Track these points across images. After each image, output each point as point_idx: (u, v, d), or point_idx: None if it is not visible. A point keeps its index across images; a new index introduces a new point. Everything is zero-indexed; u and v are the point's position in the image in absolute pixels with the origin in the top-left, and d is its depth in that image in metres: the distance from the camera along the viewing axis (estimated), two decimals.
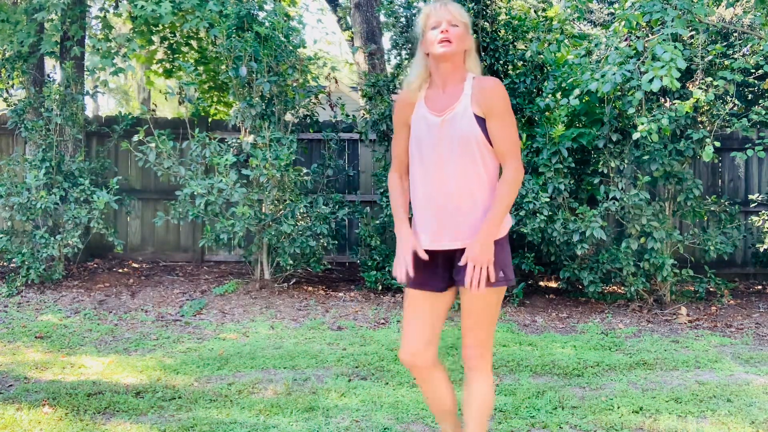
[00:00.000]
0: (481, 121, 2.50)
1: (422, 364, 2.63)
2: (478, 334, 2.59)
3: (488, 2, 6.59)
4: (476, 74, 2.59)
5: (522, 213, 5.90)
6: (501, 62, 6.58)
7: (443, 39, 2.47)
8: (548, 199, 5.88)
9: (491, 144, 2.51)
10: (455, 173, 2.50)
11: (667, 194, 6.31)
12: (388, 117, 6.59)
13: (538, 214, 5.84)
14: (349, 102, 10.75)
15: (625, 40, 5.92)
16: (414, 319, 2.63)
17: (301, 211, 6.38)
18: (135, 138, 6.41)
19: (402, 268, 2.53)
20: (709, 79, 5.76)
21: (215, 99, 9.58)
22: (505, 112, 2.51)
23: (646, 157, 5.97)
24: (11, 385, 3.97)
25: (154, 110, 7.20)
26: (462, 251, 2.54)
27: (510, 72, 6.72)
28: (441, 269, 2.60)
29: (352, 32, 10.56)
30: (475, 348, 2.60)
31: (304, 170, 6.63)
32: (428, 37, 2.52)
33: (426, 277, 2.59)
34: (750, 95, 9.18)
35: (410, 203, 2.69)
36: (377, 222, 6.71)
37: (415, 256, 2.57)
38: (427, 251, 2.57)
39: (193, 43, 9.03)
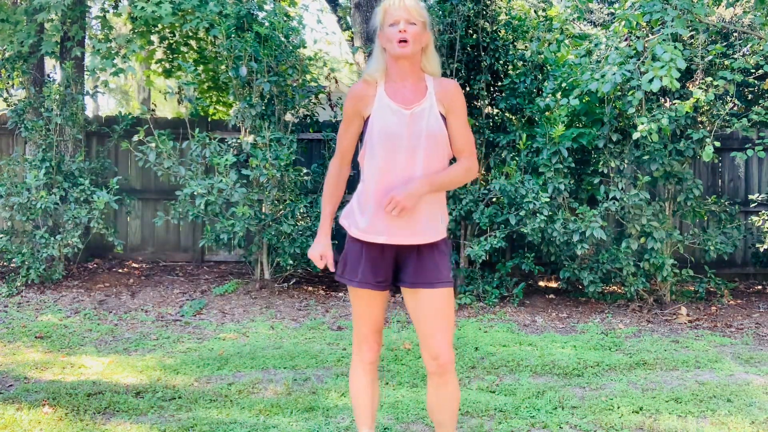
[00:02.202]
0: (443, 120, 2.57)
1: (375, 355, 2.73)
2: (449, 333, 2.59)
3: (488, 2, 6.59)
4: (433, 71, 2.61)
5: (522, 213, 5.90)
6: (501, 62, 6.57)
7: (400, 39, 2.48)
8: (548, 199, 5.87)
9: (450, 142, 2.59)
10: (420, 167, 2.51)
11: (667, 194, 6.31)
12: None
13: (538, 214, 5.84)
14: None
15: (625, 40, 5.92)
16: (371, 316, 2.67)
17: (301, 211, 6.38)
18: (135, 138, 6.41)
19: (322, 262, 2.67)
20: (709, 79, 5.76)
21: (214, 99, 9.58)
22: (464, 112, 2.60)
23: (646, 157, 5.97)
24: (11, 385, 3.97)
25: (153, 110, 7.20)
26: (417, 248, 2.56)
27: (510, 72, 6.72)
28: (388, 266, 2.60)
29: (352, 32, 10.55)
30: (449, 350, 2.58)
31: (304, 170, 6.63)
32: (386, 34, 2.52)
33: (379, 276, 2.59)
34: (750, 95, 9.18)
35: (353, 194, 2.70)
36: None
37: (377, 251, 2.56)
38: (379, 249, 2.56)
39: (192, 43, 9.03)
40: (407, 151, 2.50)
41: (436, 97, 2.55)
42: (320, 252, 2.66)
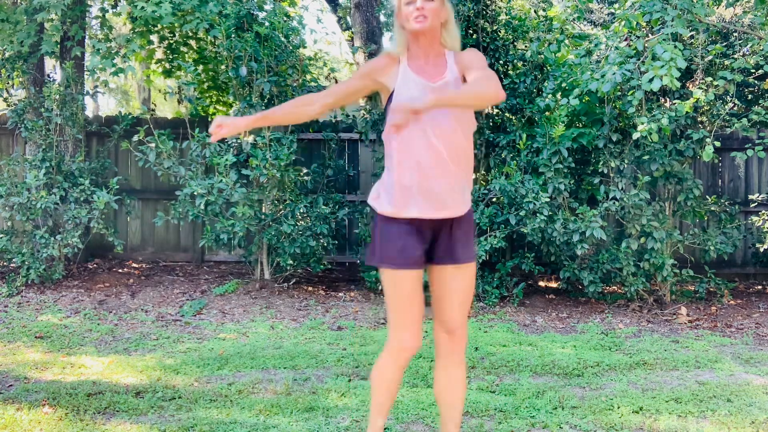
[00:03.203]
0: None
1: (418, 346, 2.61)
2: (466, 311, 2.58)
3: (488, 2, 6.59)
4: (453, 46, 2.61)
5: (522, 213, 5.90)
6: (501, 62, 6.57)
7: (418, 15, 2.47)
8: (548, 199, 5.87)
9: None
10: (452, 140, 2.50)
11: (667, 194, 6.31)
12: None
13: (538, 214, 5.84)
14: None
15: (625, 40, 5.92)
16: (414, 300, 2.55)
17: (301, 211, 6.38)
18: (135, 138, 6.41)
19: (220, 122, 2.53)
20: (709, 79, 5.76)
21: (214, 99, 9.58)
22: (483, 61, 2.53)
23: (646, 157, 5.97)
24: (11, 385, 3.97)
25: (153, 110, 7.20)
26: (450, 223, 2.54)
27: (510, 72, 6.72)
28: (424, 244, 2.57)
29: (352, 32, 10.55)
30: (464, 327, 2.56)
31: (304, 170, 6.63)
32: (403, 12, 2.52)
33: (417, 256, 2.54)
34: (750, 95, 9.18)
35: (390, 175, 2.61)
36: None
37: (415, 229, 2.52)
38: (415, 226, 2.52)
39: (192, 43, 9.03)
40: (432, 125, 2.48)
41: (456, 68, 2.55)
42: (226, 120, 2.54)
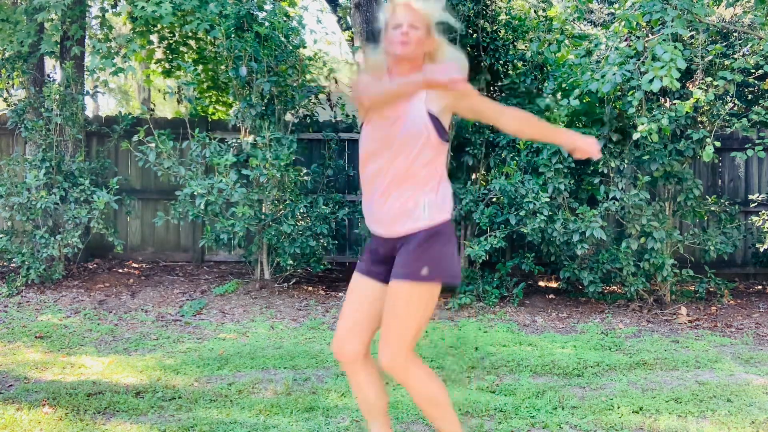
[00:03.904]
0: (435, 120, 2.46)
1: (350, 356, 2.58)
2: (394, 334, 2.45)
3: (488, 2, 6.59)
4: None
5: (522, 213, 5.90)
6: (501, 62, 6.57)
7: (402, 41, 2.44)
8: (548, 199, 5.87)
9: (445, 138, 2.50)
10: (388, 164, 2.46)
11: (667, 194, 6.31)
12: None
13: (538, 214, 5.84)
14: (349, 102, 10.72)
15: (625, 40, 5.92)
16: (351, 304, 2.61)
17: (301, 211, 6.38)
18: (135, 138, 6.41)
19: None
20: (709, 79, 5.76)
21: (214, 99, 9.58)
22: (473, 92, 2.46)
23: (646, 157, 5.97)
24: (11, 385, 3.97)
25: (153, 110, 7.19)
26: (403, 241, 2.49)
27: (510, 72, 6.72)
28: (381, 259, 2.58)
29: (352, 32, 10.54)
30: (389, 353, 2.45)
31: (304, 170, 6.62)
32: (389, 36, 2.48)
33: (367, 267, 2.60)
34: (750, 95, 9.18)
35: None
36: None
37: (376, 242, 2.58)
38: (376, 238, 2.59)
39: (192, 43, 9.03)
40: (384, 149, 2.48)
41: (431, 96, 2.45)
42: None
